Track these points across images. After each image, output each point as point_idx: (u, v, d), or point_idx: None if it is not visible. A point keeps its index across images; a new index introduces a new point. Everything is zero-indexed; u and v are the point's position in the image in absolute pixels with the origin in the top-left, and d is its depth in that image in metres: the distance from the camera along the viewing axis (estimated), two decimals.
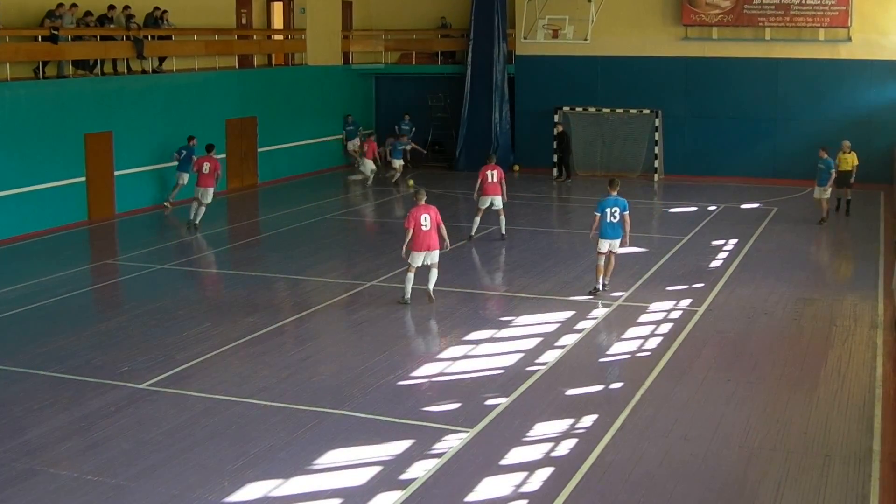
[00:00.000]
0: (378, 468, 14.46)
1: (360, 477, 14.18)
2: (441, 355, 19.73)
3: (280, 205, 37.10)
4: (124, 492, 13.91)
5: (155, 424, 16.38)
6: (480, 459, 14.76)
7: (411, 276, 23.14)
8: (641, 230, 32.07)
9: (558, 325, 21.69)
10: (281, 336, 21.09)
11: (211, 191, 32.09)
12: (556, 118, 44.95)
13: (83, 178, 33.38)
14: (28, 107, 31.43)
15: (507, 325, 21.90)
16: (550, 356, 19.50)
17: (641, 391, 17.53)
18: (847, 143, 34.47)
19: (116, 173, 34.78)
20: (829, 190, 32.35)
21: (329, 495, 13.64)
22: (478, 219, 30.07)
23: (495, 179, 29.55)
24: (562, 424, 16.07)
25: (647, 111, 44.10)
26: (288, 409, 16.92)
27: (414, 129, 47.63)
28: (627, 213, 23.84)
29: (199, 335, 21.11)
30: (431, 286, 23.35)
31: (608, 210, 23.63)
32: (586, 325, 21.69)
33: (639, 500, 13.55)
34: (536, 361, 19.18)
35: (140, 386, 17.99)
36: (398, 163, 43.12)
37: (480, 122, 46.42)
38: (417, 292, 23.21)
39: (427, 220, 22.95)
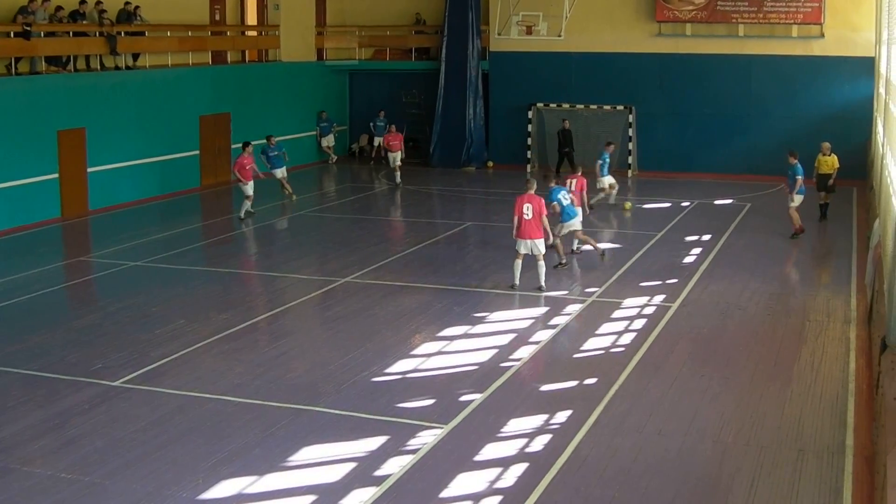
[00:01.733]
0: (352, 465, 14.45)
1: (334, 473, 14.17)
2: (415, 351, 19.73)
3: (254, 201, 37.04)
4: (98, 489, 13.87)
5: (129, 422, 16.34)
6: (455, 455, 14.77)
7: (518, 262, 23.97)
8: (615, 226, 32.17)
9: (532, 320, 21.73)
10: (255, 333, 21.06)
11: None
12: (531, 117, 44.96)
13: (56, 175, 33.26)
14: (0, 103, 31.27)
15: (481, 321, 21.92)
16: (524, 352, 19.53)
17: (616, 387, 17.56)
18: (827, 145, 33.54)
19: (90, 170, 34.64)
20: (798, 198, 30.34)
21: (303, 492, 13.63)
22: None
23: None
24: (536, 420, 16.09)
25: (620, 107, 44.19)
26: (262, 405, 16.89)
27: (389, 125, 47.57)
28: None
29: (172, 332, 21.06)
30: (542, 279, 23.99)
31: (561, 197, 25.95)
32: (560, 320, 21.73)
33: (613, 495, 13.58)
34: (510, 357, 19.20)
35: (114, 383, 17.94)
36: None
37: (454, 118, 46.44)
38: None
39: (529, 209, 23.37)
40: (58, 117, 33.34)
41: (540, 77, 45.38)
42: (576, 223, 26.47)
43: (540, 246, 23.61)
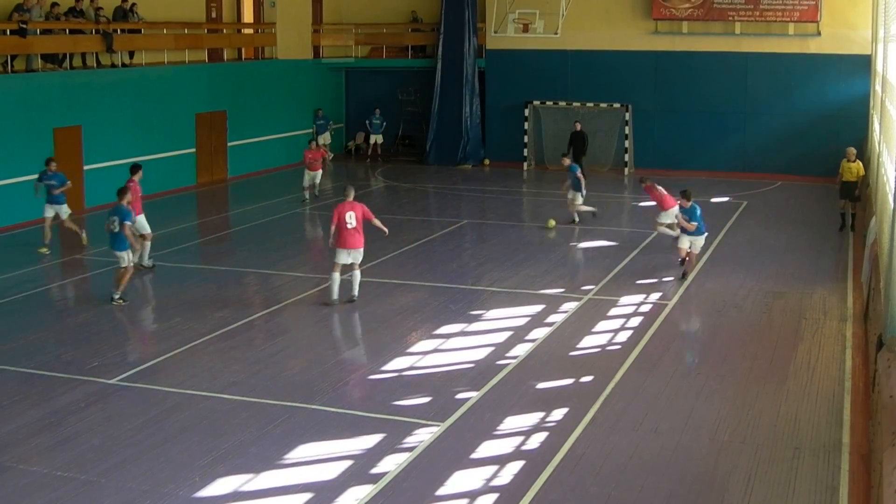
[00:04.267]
0: (349, 462, 14.45)
1: (331, 471, 14.17)
2: (411, 349, 19.72)
3: (250, 199, 37.01)
4: (95, 487, 13.86)
5: (125, 420, 16.32)
6: (451, 453, 14.77)
7: (336, 275, 22.61)
8: (612, 224, 32.16)
9: (529, 318, 21.72)
10: (251, 331, 21.05)
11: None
12: (527, 115, 44.96)
13: None
14: None
15: (477, 318, 21.92)
16: (521, 350, 19.52)
17: (612, 385, 17.57)
18: (852, 151, 31.54)
19: (86, 167, 34.60)
20: (698, 242, 25.58)
21: (300, 490, 13.62)
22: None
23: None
24: (532, 418, 16.10)
25: (617, 105, 44.18)
26: (258, 403, 16.89)
27: (385, 123, 47.62)
28: None
29: (169, 330, 21.06)
30: (356, 289, 22.90)
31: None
32: (557, 318, 21.72)
33: (609, 493, 13.58)
34: (507, 355, 19.20)
35: (110, 381, 17.92)
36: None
37: (451, 116, 46.42)
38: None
39: (352, 217, 22.35)
40: (54, 115, 33.29)
41: (536, 75, 45.36)
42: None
43: (359, 255, 22.69)
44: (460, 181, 41.67)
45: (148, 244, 26.12)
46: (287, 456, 14.75)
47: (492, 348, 19.62)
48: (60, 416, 16.49)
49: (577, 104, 44.54)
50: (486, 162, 46.39)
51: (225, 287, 24.71)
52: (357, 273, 22.79)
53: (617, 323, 21.49)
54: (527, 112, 45.21)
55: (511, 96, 45.79)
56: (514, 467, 14.25)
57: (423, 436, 15.36)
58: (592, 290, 24.07)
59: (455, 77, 46.36)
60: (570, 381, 17.91)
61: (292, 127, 46.02)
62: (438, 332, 20.83)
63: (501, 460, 14.49)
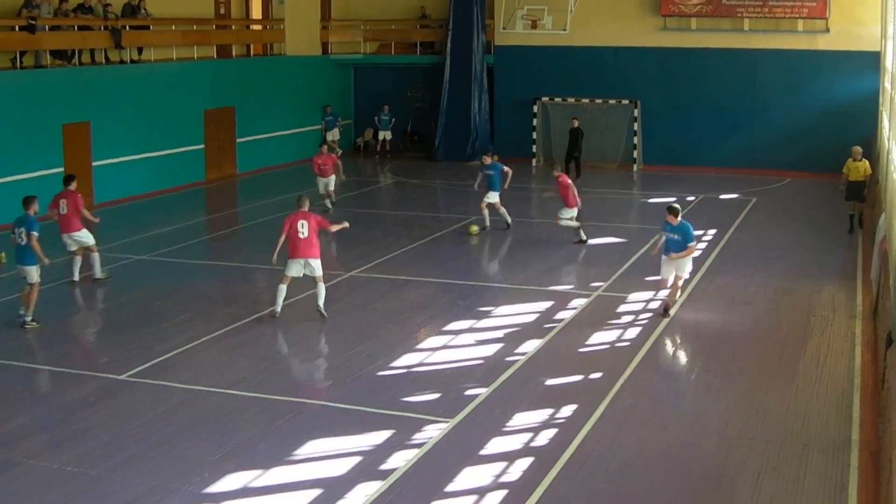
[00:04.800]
0: (358, 458, 14.45)
1: (340, 467, 14.17)
2: (420, 346, 19.73)
3: (259, 195, 37.04)
4: (103, 483, 13.87)
5: (134, 415, 16.34)
6: (460, 449, 14.77)
7: (283, 287, 21.45)
8: (620, 221, 32.15)
9: (538, 315, 21.70)
10: (260, 327, 21.04)
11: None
12: (536, 111, 44.93)
13: (61, 169, 33.18)
14: (5, 97, 31.28)
15: (486, 315, 21.91)
16: (530, 346, 19.51)
17: (621, 381, 17.55)
18: (858, 150, 30.61)
19: (95, 164, 34.65)
20: (669, 267, 21.81)
21: (309, 486, 13.62)
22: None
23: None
24: (541, 414, 16.09)
25: (625, 101, 44.14)
26: (267, 399, 16.90)
27: (393, 119, 47.62)
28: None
29: (177, 326, 21.07)
30: (321, 302, 21.48)
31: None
32: (565, 315, 21.70)
33: (618, 489, 13.58)
34: (516, 351, 19.19)
35: (119, 377, 17.94)
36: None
37: (459, 112, 46.39)
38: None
39: (304, 226, 21.12)
40: (63, 111, 33.32)
41: (545, 71, 45.31)
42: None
43: (316, 266, 21.31)
44: (469, 177, 41.49)
45: (96, 256, 24.59)
46: (296, 452, 14.76)
47: (501, 345, 19.62)
48: (69, 412, 16.50)
49: (586, 100, 44.48)
50: (495, 158, 46.28)
51: (233, 283, 24.73)
52: (321, 286, 21.41)
53: (626, 319, 21.47)
54: (535, 108, 45.18)
55: (519, 92, 45.75)
56: (523, 464, 14.24)
57: (432, 432, 15.36)
58: (601, 286, 24.05)
59: (463, 73, 46.34)
60: (579, 377, 17.90)
61: (301, 123, 46.05)
62: (447, 328, 20.83)
63: (510, 457, 14.49)
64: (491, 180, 30.41)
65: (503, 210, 30.40)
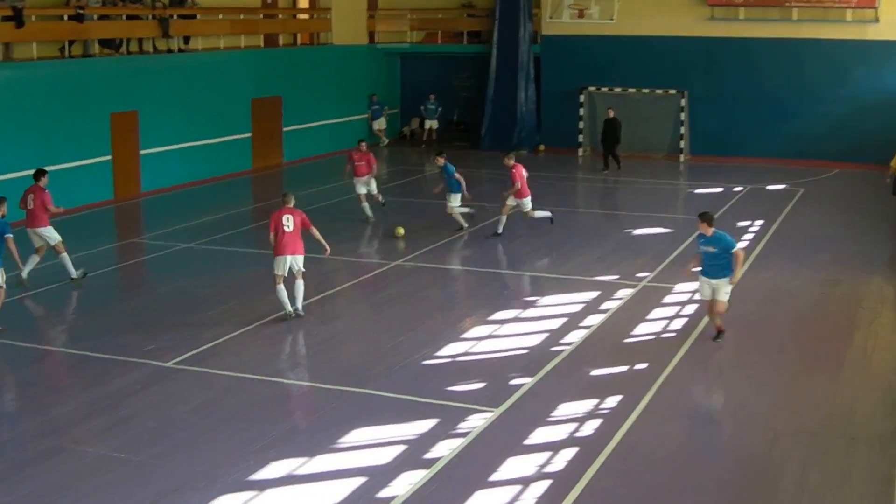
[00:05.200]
0: (402, 447, 14.49)
1: (384, 456, 14.21)
2: (466, 335, 19.74)
3: (305, 184, 37.09)
4: (149, 469, 13.97)
5: (180, 402, 16.45)
6: (505, 439, 14.78)
7: (281, 287, 20.53)
8: (667, 211, 32.00)
9: (583, 305, 21.66)
10: (305, 315, 21.08)
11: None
12: (582, 100, 44.80)
13: (109, 157, 33.46)
14: (54, 86, 31.49)
15: (531, 305, 21.89)
16: (575, 336, 19.48)
17: (666, 372, 17.48)
18: None
19: (142, 152, 34.84)
20: (706, 288, 19.88)
21: (353, 474, 13.67)
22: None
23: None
24: (586, 405, 16.07)
25: (672, 91, 43.93)
26: (312, 387, 16.99)
27: (440, 108, 47.57)
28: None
29: (223, 314, 21.16)
30: (300, 301, 20.85)
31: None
32: (611, 305, 21.65)
33: (662, 481, 13.55)
34: (561, 342, 19.17)
35: (166, 364, 18.05)
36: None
37: (506, 101, 46.29)
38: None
39: (290, 220, 20.44)
40: (111, 100, 33.51)
41: (592, 60, 45.13)
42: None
43: (299, 262, 20.64)
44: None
45: (65, 255, 23.48)
46: (340, 440, 14.80)
47: (546, 335, 19.60)
48: (116, 399, 16.63)
49: (633, 90, 44.30)
50: (541, 147, 46.25)
51: None
52: (300, 283, 20.73)
53: (672, 310, 21.40)
54: (582, 98, 45.03)
55: (566, 82, 45.58)
56: (568, 454, 14.23)
57: (477, 421, 15.38)
58: (647, 277, 23.97)
59: (510, 63, 46.24)
60: (624, 368, 17.87)
61: (347, 112, 46.10)
62: (492, 318, 20.82)
63: (554, 447, 14.48)
64: (449, 183, 28.83)
65: (457, 213, 28.86)
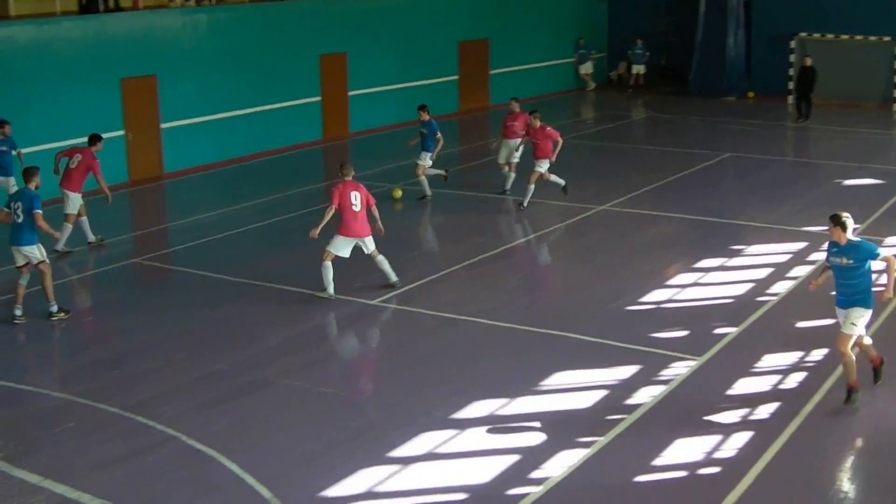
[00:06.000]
0: (603, 392, 14.50)
1: (585, 400, 14.25)
2: (669, 282, 19.58)
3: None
4: (351, 404, 14.31)
5: (384, 340, 16.78)
6: (707, 388, 14.67)
7: (329, 264, 18.68)
8: (879, 161, 31.11)
9: (790, 255, 21.26)
10: (509, 258, 21.19)
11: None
12: (793, 46, 43.75)
13: (318, 98, 34.02)
14: (266, 29, 32.16)
15: (737, 253, 21.59)
16: (781, 287, 19.17)
17: (875, 326, 16.98)
18: None
19: (350, 93, 35.32)
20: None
21: (554, 417, 13.74)
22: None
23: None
24: (790, 357, 15.82)
25: (886, 38, 42.58)
26: (513, 329, 17.06)
27: (647, 53, 47.00)
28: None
29: (430, 254, 21.47)
30: (393, 277, 19.28)
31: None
32: (819, 256, 21.18)
33: (869, 435, 13.29)
34: (767, 292, 18.88)
35: (371, 302, 18.35)
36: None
37: (714, 46, 45.37)
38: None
39: (357, 198, 18.66)
40: (320, 42, 34.01)
41: (804, 6, 43.86)
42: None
43: (370, 242, 18.91)
44: (722, 113, 40.91)
45: (84, 219, 22.23)
46: (542, 382, 14.88)
47: (751, 284, 19.32)
48: (323, 335, 17.03)
49: (845, 37, 43.03)
50: (750, 94, 45.34)
51: (484, 214, 24.91)
52: (382, 259, 19.19)
53: (881, 264, 20.82)
54: (793, 44, 43.97)
55: (777, 27, 44.48)
56: (770, 407, 14.04)
57: (679, 369, 15.28)
58: (857, 228, 23.37)
59: (719, 6, 45.32)
60: (830, 321, 17.33)
61: (553, 56, 45.90)
62: (697, 265, 20.61)
63: (757, 398, 14.29)
64: (425, 140, 26.44)
65: (424, 178, 26.42)
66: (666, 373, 15.14)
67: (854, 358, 13.99)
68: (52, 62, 26.70)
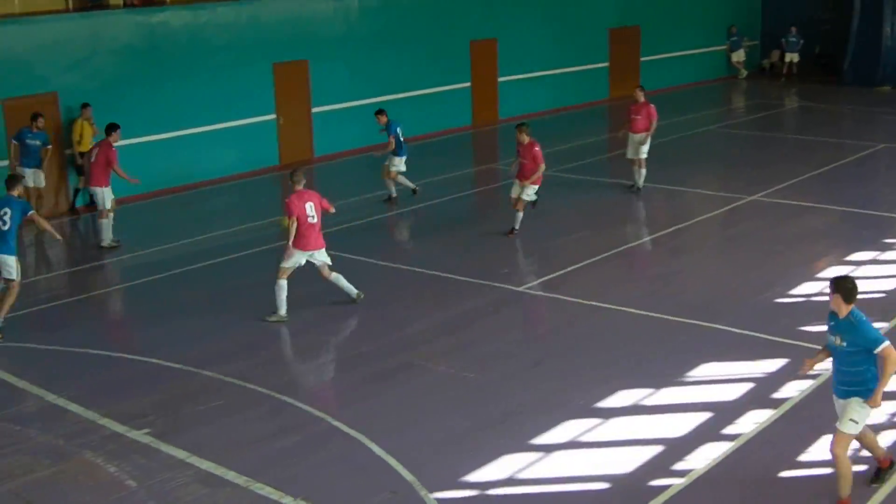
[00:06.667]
0: (750, 385, 14.35)
1: (731, 392, 14.11)
2: (820, 274, 19.26)
3: (662, 115, 36.70)
4: (495, 390, 14.34)
5: (528, 326, 16.80)
6: None
7: (284, 283, 17.35)
8: None
9: None
10: (656, 247, 21.08)
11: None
12: None
13: (469, 84, 34.14)
14: (418, 14, 32.43)
15: (890, 247, 21.12)
16: None
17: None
18: None
19: (500, 79, 35.38)
20: None
21: (699, 409, 13.63)
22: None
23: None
24: None
25: None
26: (658, 319, 16.96)
27: (801, 41, 46.21)
28: None
29: (576, 242, 21.37)
30: (353, 291, 17.94)
31: None
32: None
33: None
34: None
35: (518, 289, 18.40)
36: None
37: (870, 34, 44.46)
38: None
39: (312, 209, 17.22)
40: (470, 28, 34.13)
41: None
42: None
43: (323, 256, 17.54)
44: (877, 104, 40.09)
45: (107, 221, 21.92)
46: (688, 374, 14.78)
47: None
48: (468, 320, 17.09)
49: None
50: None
51: (630, 203, 24.77)
52: (336, 275, 17.87)
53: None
54: None
55: None
56: None
57: (828, 364, 15.01)
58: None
59: None
60: None
61: (705, 43, 45.38)
62: (849, 258, 20.22)
63: None
64: (396, 144, 24.54)
65: (400, 179, 24.93)
66: (815, 367, 14.89)
67: (850, 466, 11.31)
68: (206, 47, 27.25)
